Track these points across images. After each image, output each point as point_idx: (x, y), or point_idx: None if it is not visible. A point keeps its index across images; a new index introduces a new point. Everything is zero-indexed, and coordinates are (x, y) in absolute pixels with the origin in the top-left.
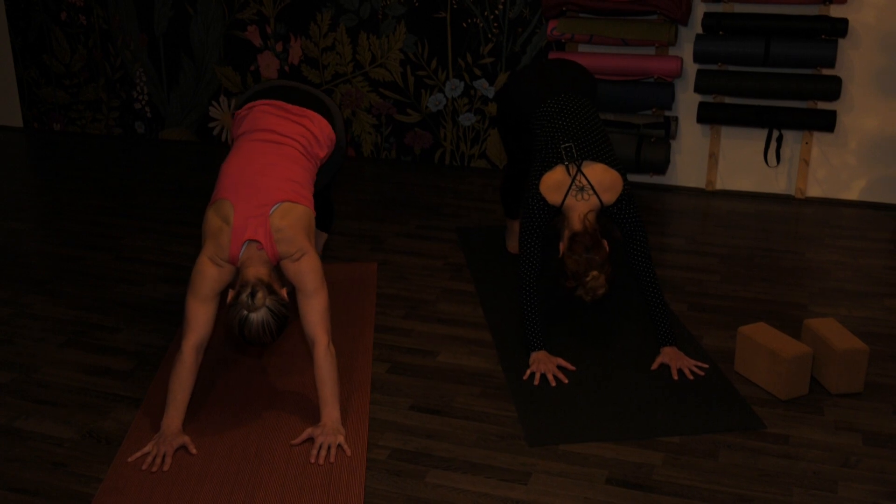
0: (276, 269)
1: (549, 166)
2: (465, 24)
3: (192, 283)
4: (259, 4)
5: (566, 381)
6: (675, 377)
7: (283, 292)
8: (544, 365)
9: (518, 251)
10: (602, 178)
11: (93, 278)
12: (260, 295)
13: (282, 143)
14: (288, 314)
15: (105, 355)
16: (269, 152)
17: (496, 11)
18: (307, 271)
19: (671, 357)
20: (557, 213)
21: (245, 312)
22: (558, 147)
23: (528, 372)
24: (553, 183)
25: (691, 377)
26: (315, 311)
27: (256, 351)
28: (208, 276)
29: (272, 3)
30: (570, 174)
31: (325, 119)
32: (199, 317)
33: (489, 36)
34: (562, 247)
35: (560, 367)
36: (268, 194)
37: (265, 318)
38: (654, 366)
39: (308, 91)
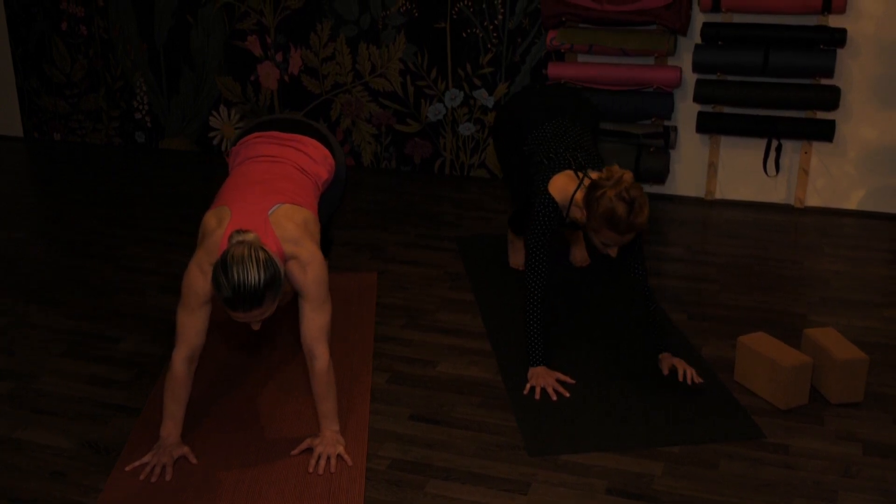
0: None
1: (556, 170)
2: (464, 34)
3: (181, 294)
4: (259, 15)
5: (567, 394)
6: (681, 379)
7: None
8: (543, 379)
9: (524, 265)
10: None
11: (92, 288)
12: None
13: (277, 161)
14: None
15: (104, 365)
16: (266, 170)
17: (496, 22)
18: (317, 282)
19: (676, 359)
20: (566, 225)
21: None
22: (564, 156)
23: (528, 387)
24: (562, 184)
25: (690, 383)
26: (317, 326)
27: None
28: (195, 286)
29: (272, 13)
30: (578, 178)
31: (319, 142)
32: (189, 328)
33: (489, 46)
34: (581, 216)
35: (560, 381)
36: (266, 197)
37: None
38: (666, 371)
39: (302, 120)
